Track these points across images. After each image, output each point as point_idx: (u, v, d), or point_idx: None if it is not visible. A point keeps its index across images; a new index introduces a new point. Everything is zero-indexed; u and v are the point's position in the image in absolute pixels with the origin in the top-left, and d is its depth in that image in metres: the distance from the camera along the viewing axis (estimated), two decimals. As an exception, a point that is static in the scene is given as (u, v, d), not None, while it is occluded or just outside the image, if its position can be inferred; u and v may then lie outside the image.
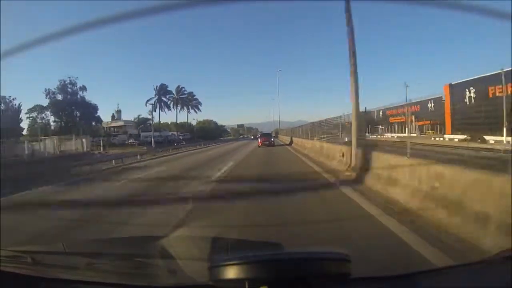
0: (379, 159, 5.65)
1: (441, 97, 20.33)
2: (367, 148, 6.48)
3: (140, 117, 46.99)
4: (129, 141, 38.60)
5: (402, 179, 4.43)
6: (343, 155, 7.59)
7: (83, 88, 33.29)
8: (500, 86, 15.12)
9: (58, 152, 23.32)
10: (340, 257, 0.87)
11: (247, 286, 0.79)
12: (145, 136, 39.40)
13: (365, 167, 6.01)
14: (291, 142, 22.37)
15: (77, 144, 25.19)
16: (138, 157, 16.94)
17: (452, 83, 19.78)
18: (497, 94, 15.48)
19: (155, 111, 41.29)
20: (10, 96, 31.66)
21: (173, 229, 3.32)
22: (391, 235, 2.97)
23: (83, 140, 25.47)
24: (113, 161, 14.60)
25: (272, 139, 23.30)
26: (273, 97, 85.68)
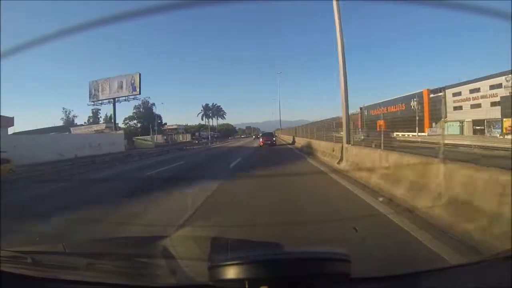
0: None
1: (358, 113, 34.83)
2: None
3: (200, 123, 76.72)
4: (193, 137, 61.41)
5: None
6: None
7: (153, 104, 55.22)
8: (375, 110, 32.13)
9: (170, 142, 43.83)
10: (340, 257, 0.87)
11: (247, 286, 0.78)
12: (200, 135, 62.79)
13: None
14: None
15: (160, 140, 44.92)
16: (209, 143, 36.11)
17: (361, 106, 33.69)
18: (373, 114, 30.24)
19: (202, 119, 72.27)
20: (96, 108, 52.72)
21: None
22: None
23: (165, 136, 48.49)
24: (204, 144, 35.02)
25: (274, 139, 23.31)
26: (275, 97, 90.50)
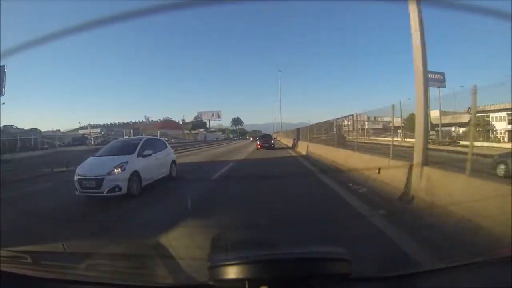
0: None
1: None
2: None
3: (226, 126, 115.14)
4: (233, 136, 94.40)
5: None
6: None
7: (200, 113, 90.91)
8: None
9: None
10: (340, 257, 0.87)
11: (247, 286, 0.78)
12: (234, 135, 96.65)
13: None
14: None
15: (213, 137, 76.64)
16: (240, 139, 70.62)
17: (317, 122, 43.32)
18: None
19: (231, 127, 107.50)
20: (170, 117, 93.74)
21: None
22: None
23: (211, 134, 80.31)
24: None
25: (272, 141, 21.84)
26: (276, 99, 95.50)
